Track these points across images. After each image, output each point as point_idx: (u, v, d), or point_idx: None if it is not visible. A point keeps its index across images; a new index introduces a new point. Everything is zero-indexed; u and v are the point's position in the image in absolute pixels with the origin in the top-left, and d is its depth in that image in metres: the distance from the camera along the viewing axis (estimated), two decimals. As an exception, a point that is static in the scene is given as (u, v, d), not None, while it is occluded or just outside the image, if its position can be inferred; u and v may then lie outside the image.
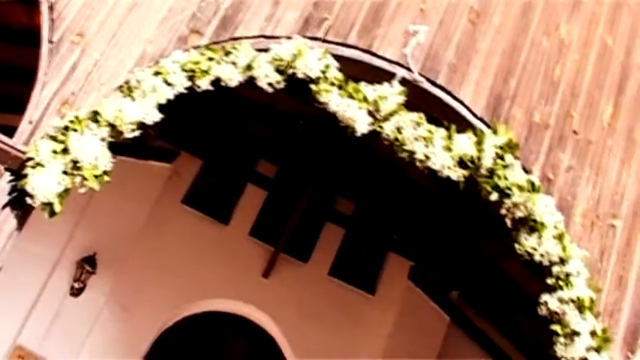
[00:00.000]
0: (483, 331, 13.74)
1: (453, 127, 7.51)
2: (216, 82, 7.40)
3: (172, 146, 14.01)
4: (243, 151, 14.20)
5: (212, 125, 13.49)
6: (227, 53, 7.41)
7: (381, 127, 7.42)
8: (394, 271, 14.23)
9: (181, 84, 7.17)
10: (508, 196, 7.40)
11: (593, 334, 7.27)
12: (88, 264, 13.01)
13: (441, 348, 13.81)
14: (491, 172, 7.40)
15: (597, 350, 7.23)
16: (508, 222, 7.52)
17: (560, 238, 7.42)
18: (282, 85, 7.46)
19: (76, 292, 12.98)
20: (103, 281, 13.04)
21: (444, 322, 13.95)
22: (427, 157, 7.37)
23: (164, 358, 13.43)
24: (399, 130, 7.39)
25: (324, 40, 7.70)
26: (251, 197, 14.35)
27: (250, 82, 7.51)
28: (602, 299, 7.57)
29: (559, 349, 7.24)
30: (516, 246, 7.49)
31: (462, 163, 7.44)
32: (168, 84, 7.12)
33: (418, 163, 7.46)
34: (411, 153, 7.39)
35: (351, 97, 7.37)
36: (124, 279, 13.16)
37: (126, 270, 13.20)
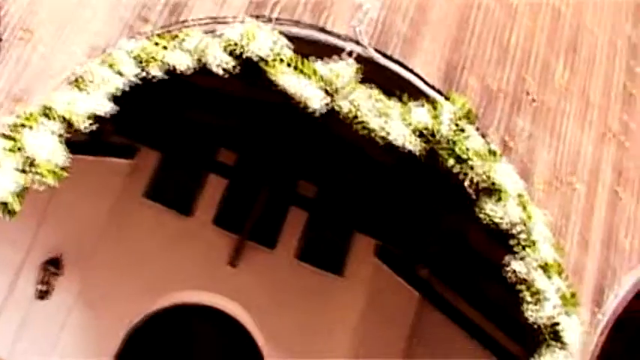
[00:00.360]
0: (454, 305, 13.79)
1: (410, 100, 7.50)
2: (170, 69, 7.30)
3: (131, 141, 13.86)
4: (202, 141, 14.08)
5: (169, 118, 13.36)
6: (178, 40, 7.32)
7: (338, 105, 7.39)
8: (361, 251, 14.21)
9: (133, 73, 7.06)
10: (469, 165, 7.41)
11: (561, 296, 7.34)
12: (52, 266, 12.84)
13: (413, 324, 13.83)
14: (451, 143, 7.41)
15: (565, 311, 7.30)
16: (471, 192, 7.54)
17: (523, 204, 7.47)
18: (235, 69, 7.38)
19: (42, 295, 12.80)
20: (71, 281, 12.88)
21: (415, 299, 13.96)
22: (386, 132, 7.35)
23: (137, 354, 13.30)
24: (356, 106, 7.37)
25: (276, 21, 7.63)
26: (213, 187, 14.24)
27: (204, 68, 7.43)
28: (568, 260, 7.64)
29: (528, 313, 7.29)
30: (481, 215, 7.51)
31: (421, 135, 7.44)
32: (120, 74, 7.02)
33: (377, 139, 7.44)
34: (370, 129, 7.37)
35: (306, 76, 7.33)
36: (91, 278, 12.99)
37: (93, 268, 13.03)
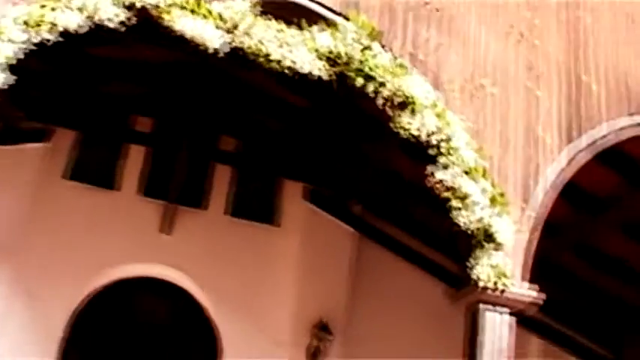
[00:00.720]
0: (390, 235, 13.84)
1: (311, 26, 7.40)
2: (62, 31, 7.07)
3: (44, 125, 13.53)
4: (116, 112, 13.81)
5: (80, 95, 13.07)
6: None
7: (240, 41, 7.25)
8: (292, 197, 14.08)
9: (22, 39, 6.82)
10: (380, 82, 7.35)
11: (489, 198, 7.36)
12: (-19, 262, 12.55)
13: (353, 261, 13.85)
14: (359, 62, 7.33)
15: (496, 212, 7.33)
16: (388, 110, 7.48)
17: (439, 113, 7.44)
18: (130, 21, 7.18)
19: (-25, 293, 12.51)
20: (5, 274, 12.58)
21: (351, 235, 13.96)
22: (292, 61, 7.23)
23: (85, 335, 13.09)
24: (257, 40, 7.24)
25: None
26: (135, 157, 13.97)
27: (100, 26, 7.22)
28: (492, 162, 7.66)
29: (459, 220, 7.30)
30: (399, 131, 7.46)
31: (328, 60, 7.35)
32: (10, 41, 6.77)
33: (285, 70, 7.32)
34: (275, 60, 7.25)
35: (202, 17, 7.18)
36: (26, 267, 12.65)
37: (26, 258, 12.69)
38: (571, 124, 8.08)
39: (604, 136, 8.14)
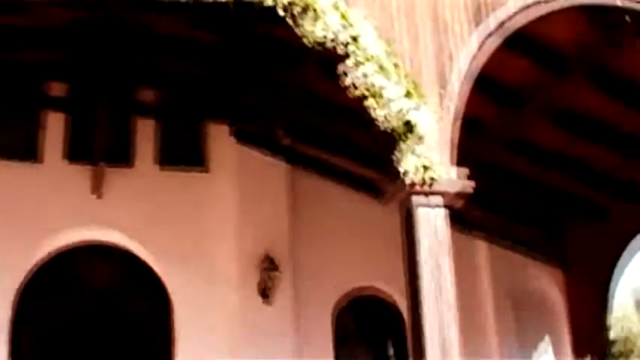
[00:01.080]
0: (323, 161, 13.76)
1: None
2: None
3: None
4: (29, 81, 13.45)
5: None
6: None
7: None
8: (219, 139, 13.97)
9: None
10: (279, -6, 7.21)
11: (405, 92, 7.28)
12: None
13: (291, 192, 13.80)
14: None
15: (413, 106, 7.26)
16: (289, 21, 7.34)
17: (342, 13, 7.32)
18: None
19: None
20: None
21: (284, 168, 13.89)
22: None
23: (35, 310, 12.88)
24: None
25: None
26: (54, 124, 13.64)
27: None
28: (403, 56, 7.57)
29: (378, 119, 7.22)
30: (304, 40, 7.34)
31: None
32: None
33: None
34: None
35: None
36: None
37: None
38: (479, 8, 7.95)
39: (511, 17, 8.02)
